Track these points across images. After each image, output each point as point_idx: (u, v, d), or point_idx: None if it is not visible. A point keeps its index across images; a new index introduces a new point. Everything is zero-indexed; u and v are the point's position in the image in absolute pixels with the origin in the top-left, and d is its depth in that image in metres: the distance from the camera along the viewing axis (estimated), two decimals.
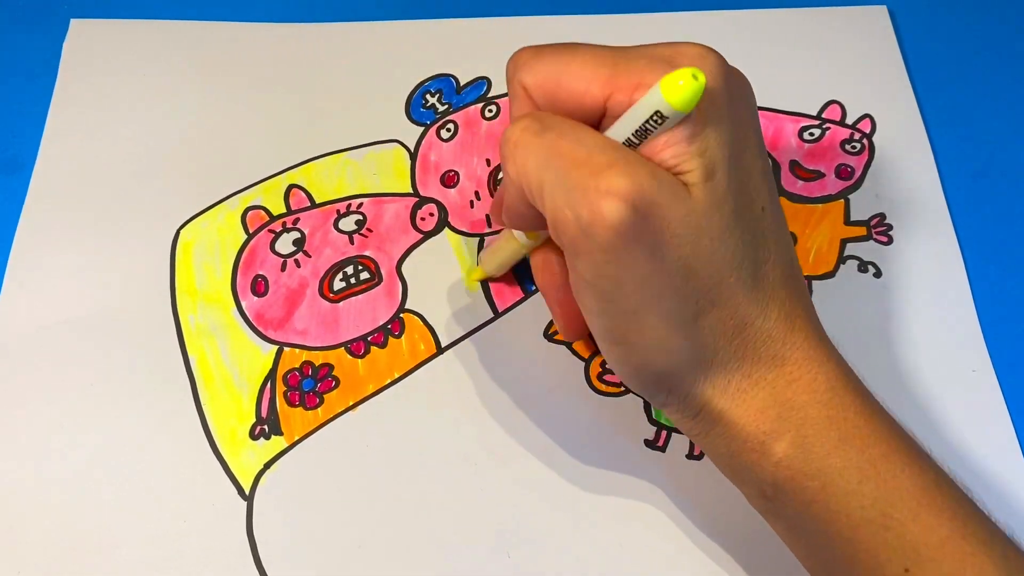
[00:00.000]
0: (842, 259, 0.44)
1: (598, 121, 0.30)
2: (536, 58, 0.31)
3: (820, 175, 0.46)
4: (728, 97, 0.29)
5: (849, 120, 0.48)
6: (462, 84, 0.48)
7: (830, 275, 0.43)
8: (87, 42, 0.49)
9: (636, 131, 0.28)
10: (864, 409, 0.30)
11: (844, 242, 0.44)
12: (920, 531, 0.29)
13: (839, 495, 0.30)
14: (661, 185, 0.27)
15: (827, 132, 0.47)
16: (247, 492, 0.38)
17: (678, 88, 0.26)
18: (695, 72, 0.26)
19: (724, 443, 0.32)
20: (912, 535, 0.29)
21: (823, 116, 0.48)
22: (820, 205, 0.45)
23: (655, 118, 0.27)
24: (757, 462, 0.31)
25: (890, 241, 0.44)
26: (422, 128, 0.47)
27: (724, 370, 0.30)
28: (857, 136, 0.47)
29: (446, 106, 0.47)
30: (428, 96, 0.48)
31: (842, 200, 0.45)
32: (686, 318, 0.29)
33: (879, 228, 0.45)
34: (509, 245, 0.38)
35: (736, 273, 0.29)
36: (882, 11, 0.51)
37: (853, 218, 0.45)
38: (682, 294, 0.29)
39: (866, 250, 0.44)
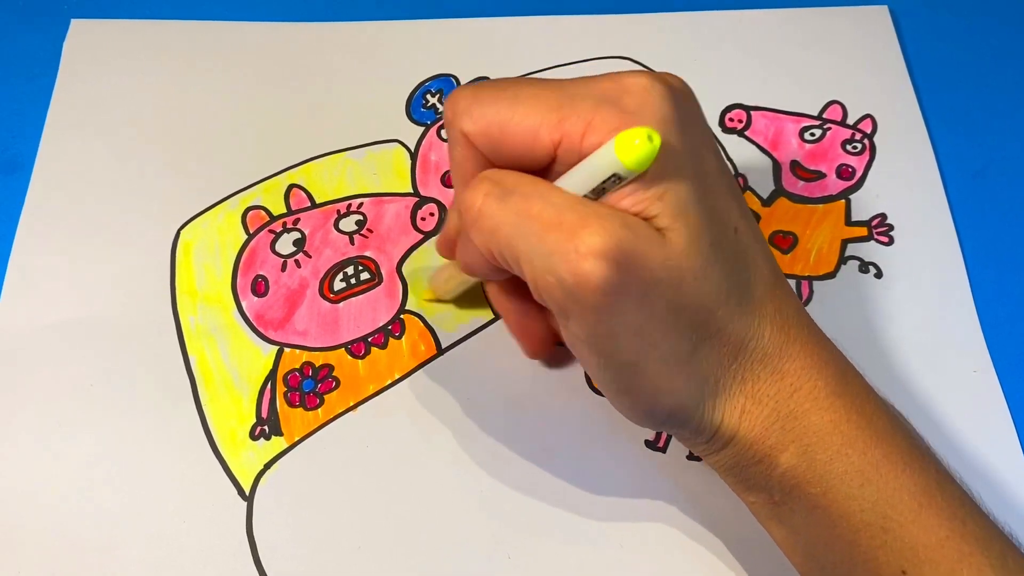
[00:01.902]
0: (843, 259, 0.44)
1: (547, 166, 0.30)
2: (476, 103, 0.30)
3: (821, 175, 0.46)
4: (680, 127, 0.29)
5: (850, 120, 0.48)
6: (463, 84, 0.48)
7: (831, 275, 0.43)
8: (87, 42, 0.49)
9: (594, 189, 0.28)
10: (866, 409, 0.31)
11: (845, 242, 0.44)
12: (919, 532, 0.29)
13: (841, 499, 0.30)
14: (637, 235, 0.27)
15: (828, 132, 0.47)
16: (247, 492, 0.38)
17: (633, 149, 0.26)
18: (650, 133, 0.26)
19: (733, 459, 0.32)
20: (911, 536, 0.29)
21: (824, 116, 0.48)
22: (821, 205, 0.45)
23: (612, 179, 0.27)
24: (765, 473, 0.31)
25: (891, 241, 0.44)
26: (423, 128, 0.47)
27: (729, 395, 0.31)
28: (858, 136, 0.47)
29: None
30: (429, 96, 0.48)
31: (843, 200, 0.45)
32: (683, 357, 0.29)
33: (880, 228, 0.45)
34: (460, 277, 0.38)
35: (724, 303, 0.29)
36: (883, 11, 0.51)
37: (854, 218, 0.45)
38: (676, 335, 0.29)
39: (867, 250, 0.44)
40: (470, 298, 0.42)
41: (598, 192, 0.28)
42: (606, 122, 0.27)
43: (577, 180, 0.28)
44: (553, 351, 0.40)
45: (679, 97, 0.29)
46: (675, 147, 0.28)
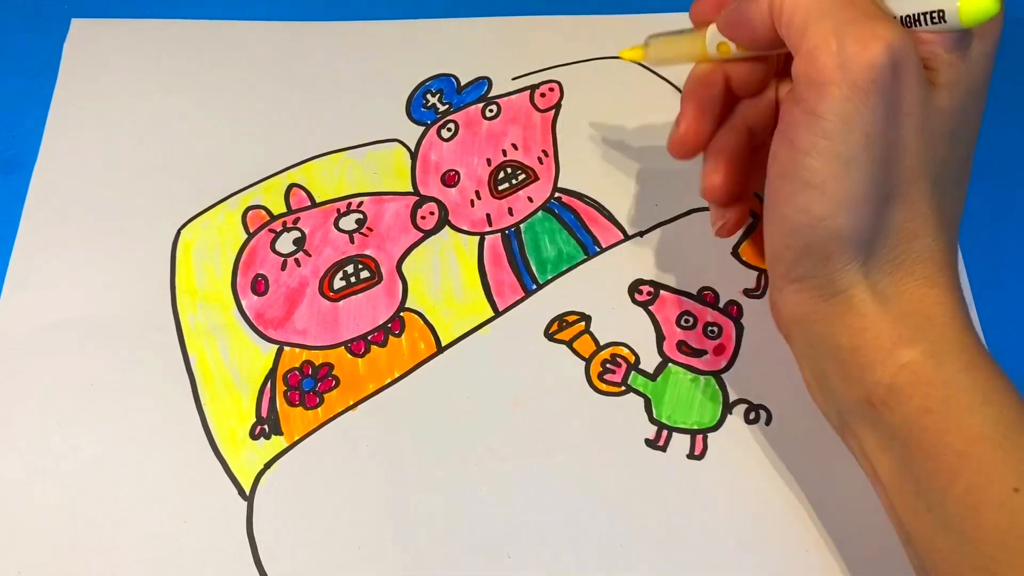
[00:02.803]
0: None
1: None
2: None
3: None
4: (996, 46, 0.30)
5: None
6: (463, 84, 0.48)
7: None
8: (88, 42, 0.49)
9: (908, 17, 0.29)
10: (987, 353, 0.31)
11: None
12: None
13: (961, 409, 0.30)
14: (917, 61, 0.29)
15: None
16: (247, 492, 0.38)
17: (976, 3, 0.27)
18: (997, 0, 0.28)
19: (849, 336, 0.31)
20: None
21: None
22: None
23: (935, 15, 0.28)
24: (880, 361, 0.31)
25: None
26: (423, 128, 0.47)
27: (884, 267, 0.31)
28: None
29: (446, 106, 0.47)
30: (429, 96, 0.48)
31: None
32: (882, 194, 0.30)
33: None
34: (691, 45, 0.37)
35: (933, 185, 0.30)
36: None
37: None
38: (891, 169, 0.30)
39: None
40: (470, 295, 0.42)
41: (911, 21, 0.29)
42: None
43: (901, 1, 0.30)
44: (688, 157, 0.37)
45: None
46: (989, 49, 0.30)
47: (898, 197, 0.30)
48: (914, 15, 0.29)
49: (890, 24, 0.28)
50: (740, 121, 0.37)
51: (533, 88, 0.48)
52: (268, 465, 0.39)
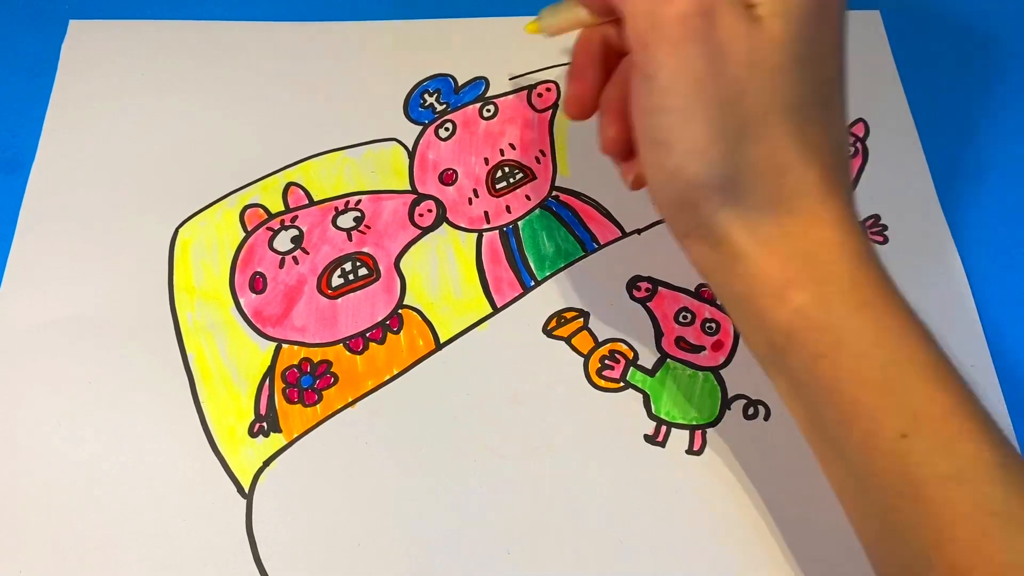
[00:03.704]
0: None
1: None
2: None
3: None
4: None
5: None
6: (460, 84, 0.48)
7: None
8: (86, 43, 0.49)
9: None
10: (886, 285, 0.31)
11: None
12: (923, 401, 0.29)
13: (850, 353, 0.30)
14: (733, 2, 0.29)
15: None
16: (246, 490, 0.38)
17: None
18: None
19: (742, 285, 0.31)
20: (916, 403, 0.29)
21: None
22: None
23: None
24: (773, 307, 0.31)
25: (885, 241, 0.45)
26: (420, 127, 0.47)
27: (758, 211, 0.30)
28: (851, 140, 0.47)
29: (444, 106, 0.47)
30: (426, 96, 0.48)
31: None
32: (730, 135, 0.30)
33: (874, 229, 0.45)
34: (571, 14, 0.38)
35: (787, 115, 0.30)
36: (875, 16, 0.52)
37: None
38: (731, 109, 0.30)
39: None
40: (468, 292, 0.42)
41: None
42: None
43: None
44: (581, 117, 0.38)
45: None
46: None
47: (750, 136, 0.30)
48: None
49: None
50: (624, 76, 0.37)
51: (530, 88, 0.48)
52: (267, 463, 0.39)
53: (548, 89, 0.48)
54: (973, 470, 0.28)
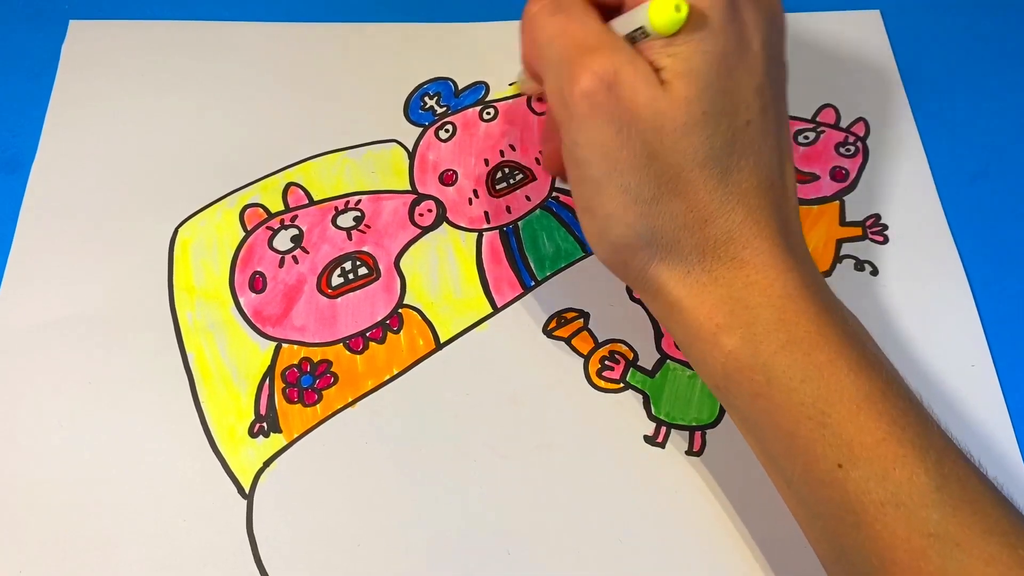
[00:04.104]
0: (838, 258, 0.44)
1: (616, 11, 0.33)
2: None
3: (815, 177, 0.46)
4: (730, 17, 0.31)
5: (843, 123, 0.48)
6: (460, 88, 0.48)
7: (827, 274, 0.44)
8: (86, 43, 0.49)
9: (627, 35, 0.31)
10: (818, 318, 0.31)
11: (840, 242, 0.45)
12: (856, 432, 0.30)
13: (782, 391, 0.31)
14: (636, 69, 0.30)
15: (821, 135, 0.48)
16: (247, 490, 0.38)
17: (662, 14, 0.29)
18: (678, 4, 0.29)
19: (681, 330, 0.33)
20: (848, 434, 0.30)
21: (817, 119, 0.48)
22: (815, 207, 0.45)
23: (640, 31, 0.31)
24: (710, 352, 0.32)
25: (886, 240, 0.45)
26: (420, 129, 0.47)
27: (684, 261, 0.32)
28: (851, 139, 0.47)
29: (444, 108, 0.47)
30: (427, 98, 0.48)
31: (837, 202, 0.46)
32: (644, 198, 0.31)
33: (874, 228, 0.45)
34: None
35: (700, 170, 0.31)
36: (875, 15, 0.52)
37: (848, 219, 0.45)
38: (642, 174, 0.31)
39: (862, 249, 0.44)
40: (468, 292, 0.42)
41: (631, 39, 0.31)
42: None
43: (620, 24, 0.32)
44: (557, 173, 0.40)
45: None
46: (712, 28, 0.30)
47: (668, 194, 0.31)
48: (630, 34, 0.31)
49: (599, 51, 0.30)
50: None
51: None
52: (267, 463, 0.38)
53: None
54: (908, 495, 0.29)
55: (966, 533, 0.29)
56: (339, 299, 0.42)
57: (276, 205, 0.44)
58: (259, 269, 0.43)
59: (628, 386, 0.41)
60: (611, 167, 0.31)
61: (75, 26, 0.49)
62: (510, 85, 0.48)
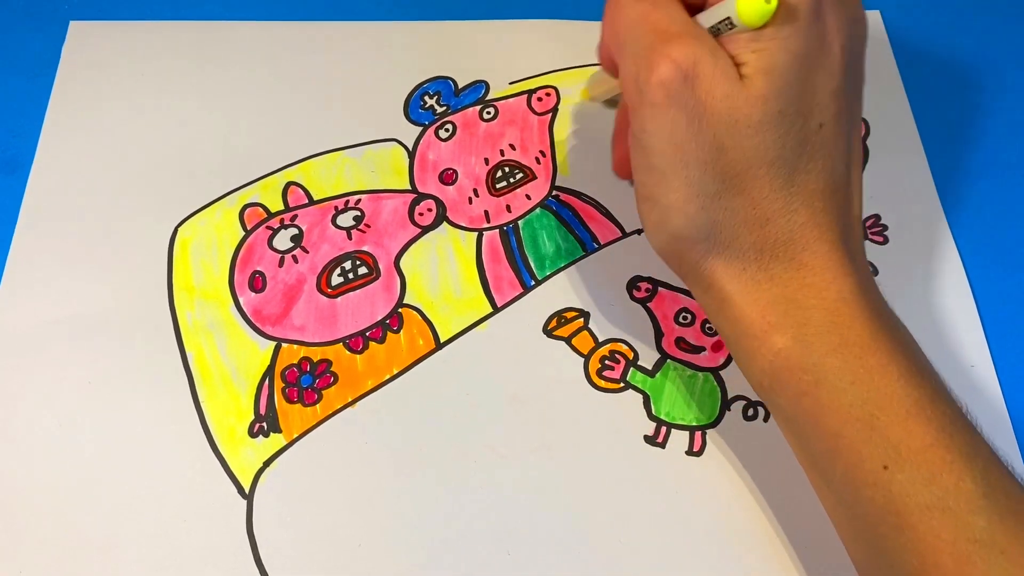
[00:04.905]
0: None
1: (701, 7, 0.33)
2: None
3: None
4: (814, 18, 0.31)
5: None
6: (460, 87, 0.48)
7: None
8: (86, 44, 0.49)
9: (712, 27, 0.31)
10: (871, 324, 0.31)
11: None
12: (904, 435, 0.30)
13: (830, 391, 0.31)
14: (716, 62, 0.30)
15: None
16: (246, 490, 0.38)
17: (751, 5, 0.29)
18: None
19: (730, 326, 0.33)
20: (896, 437, 0.30)
21: None
22: None
23: (726, 22, 0.31)
24: (758, 350, 0.32)
25: (886, 241, 0.45)
26: (420, 128, 0.47)
27: (741, 258, 0.32)
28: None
29: (444, 107, 0.47)
30: (427, 97, 0.48)
31: None
32: (708, 192, 0.31)
33: (874, 229, 0.45)
34: (609, 80, 0.40)
35: (767, 168, 0.31)
36: (875, 16, 0.52)
37: None
38: (709, 168, 0.31)
39: None
40: (468, 291, 0.42)
41: (715, 31, 0.31)
42: None
43: (705, 17, 0.32)
44: (630, 177, 0.40)
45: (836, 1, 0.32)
46: (797, 28, 0.31)
47: (732, 189, 0.31)
48: (714, 26, 0.31)
49: (680, 40, 0.30)
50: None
51: (530, 92, 0.48)
52: (267, 463, 0.38)
53: (548, 93, 0.48)
54: (955, 500, 0.29)
55: (1011, 542, 0.29)
56: (339, 299, 0.42)
57: (276, 204, 0.44)
58: (259, 268, 0.43)
59: (628, 386, 0.41)
60: (678, 158, 0.31)
61: (75, 27, 0.49)
62: (510, 84, 0.48)
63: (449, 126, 0.47)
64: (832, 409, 0.31)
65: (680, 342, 0.41)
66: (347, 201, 0.44)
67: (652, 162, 0.32)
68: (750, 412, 0.40)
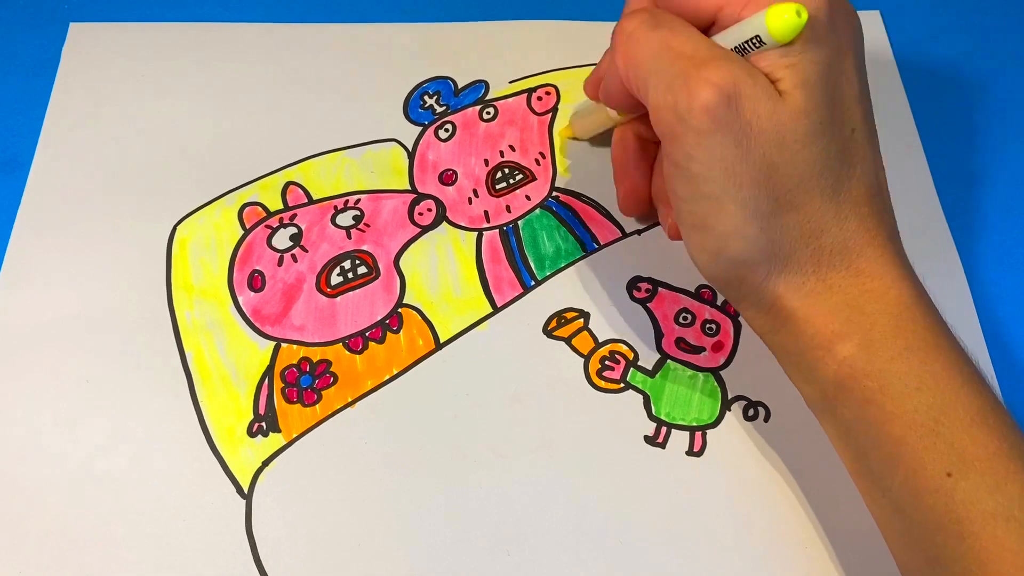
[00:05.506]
0: None
1: (707, 28, 0.33)
2: None
3: None
4: (830, 26, 0.31)
5: None
6: (460, 87, 0.48)
7: None
8: (86, 45, 0.49)
9: (737, 47, 0.31)
10: (932, 328, 0.32)
11: None
12: (968, 442, 0.30)
13: (896, 397, 0.31)
14: (755, 82, 0.30)
15: None
16: (246, 490, 0.38)
17: (782, 21, 0.29)
18: (799, 9, 0.29)
19: (792, 341, 0.33)
20: (960, 444, 0.30)
21: None
22: None
23: (755, 40, 0.30)
24: (822, 359, 0.32)
25: None
26: (420, 128, 0.47)
27: (799, 272, 0.32)
28: None
29: (444, 107, 0.47)
30: (426, 97, 0.48)
31: None
32: (764, 212, 0.31)
33: None
34: (599, 115, 0.41)
35: (817, 180, 0.31)
36: (875, 16, 0.52)
37: None
38: (762, 188, 0.31)
39: None
40: (468, 291, 0.42)
41: (740, 50, 0.31)
42: (767, 2, 0.30)
43: (726, 37, 0.31)
44: (639, 212, 0.42)
45: (839, 4, 0.32)
46: (819, 37, 0.31)
47: (785, 206, 0.31)
48: (740, 46, 0.31)
49: (715, 64, 0.30)
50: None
51: (530, 92, 0.48)
52: (266, 463, 0.38)
53: (548, 93, 0.48)
54: (1020, 510, 0.29)
55: None
56: (338, 298, 0.42)
57: (275, 204, 0.44)
58: (258, 268, 0.43)
59: (628, 386, 0.41)
60: (731, 182, 0.31)
61: (75, 28, 0.49)
62: (510, 83, 0.48)
63: (449, 126, 0.47)
64: (896, 415, 0.31)
65: (680, 342, 0.41)
66: (346, 200, 0.44)
67: (703, 190, 0.31)
68: (750, 412, 0.40)
